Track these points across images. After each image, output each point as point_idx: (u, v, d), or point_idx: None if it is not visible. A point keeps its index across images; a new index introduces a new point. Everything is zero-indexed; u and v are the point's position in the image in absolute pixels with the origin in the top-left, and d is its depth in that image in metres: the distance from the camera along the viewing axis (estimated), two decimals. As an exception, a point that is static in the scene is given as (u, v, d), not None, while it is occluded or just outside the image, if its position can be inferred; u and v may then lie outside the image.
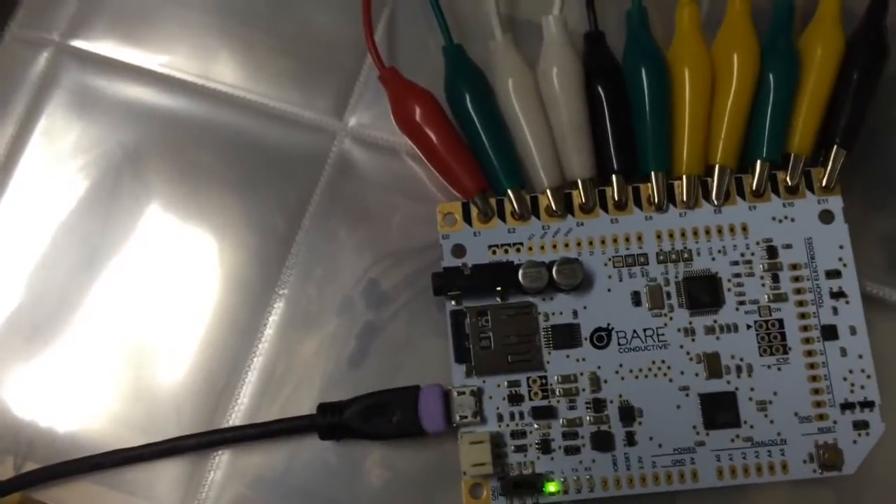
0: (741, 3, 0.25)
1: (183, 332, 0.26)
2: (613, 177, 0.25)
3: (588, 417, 0.24)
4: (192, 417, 0.25)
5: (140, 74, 0.28)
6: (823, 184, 0.25)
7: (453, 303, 0.24)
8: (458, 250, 0.25)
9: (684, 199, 0.25)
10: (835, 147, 0.25)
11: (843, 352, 0.24)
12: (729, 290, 0.24)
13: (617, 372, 0.24)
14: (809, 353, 0.24)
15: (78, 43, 0.28)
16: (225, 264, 0.26)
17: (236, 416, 0.25)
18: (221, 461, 0.25)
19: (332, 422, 0.23)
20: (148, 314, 0.26)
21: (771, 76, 0.25)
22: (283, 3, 0.28)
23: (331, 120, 0.27)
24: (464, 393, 0.23)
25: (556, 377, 0.24)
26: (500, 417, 0.24)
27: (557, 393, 0.24)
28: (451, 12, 0.26)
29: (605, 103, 0.25)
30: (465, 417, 0.23)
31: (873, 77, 0.25)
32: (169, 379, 0.25)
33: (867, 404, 0.23)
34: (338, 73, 0.28)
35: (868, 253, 0.25)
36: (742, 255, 0.24)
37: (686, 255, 0.25)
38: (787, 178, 0.25)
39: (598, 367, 0.24)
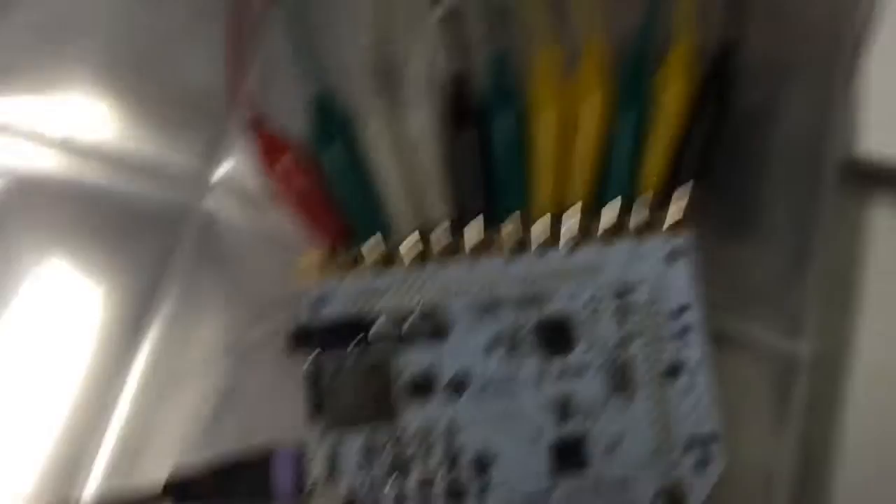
0: (597, 46, 0.25)
1: (35, 397, 0.25)
2: (472, 221, 0.25)
3: (441, 470, 0.24)
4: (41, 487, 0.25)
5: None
6: (673, 221, 0.25)
7: (310, 358, 0.24)
8: (319, 301, 0.25)
9: (540, 241, 0.25)
10: (683, 185, 0.25)
11: (687, 389, 0.25)
12: (580, 333, 0.25)
13: (471, 421, 0.24)
14: (655, 392, 0.25)
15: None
16: (84, 320, 0.26)
17: (91, 485, 0.25)
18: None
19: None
20: None
21: (623, 117, 0.25)
22: (149, 51, 0.28)
23: (198, 169, 0.27)
24: (317, 452, 0.24)
25: (411, 429, 0.24)
26: (354, 474, 0.24)
27: (413, 446, 0.24)
28: (319, 60, 0.26)
29: (466, 146, 0.25)
30: (319, 479, 0.23)
31: (723, 114, 0.25)
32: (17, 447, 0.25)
33: (710, 439, 0.24)
34: (206, 123, 0.27)
35: (718, 286, 0.26)
36: (593, 296, 0.25)
37: (540, 299, 0.25)
38: (638, 218, 0.25)
39: (454, 417, 0.24)
